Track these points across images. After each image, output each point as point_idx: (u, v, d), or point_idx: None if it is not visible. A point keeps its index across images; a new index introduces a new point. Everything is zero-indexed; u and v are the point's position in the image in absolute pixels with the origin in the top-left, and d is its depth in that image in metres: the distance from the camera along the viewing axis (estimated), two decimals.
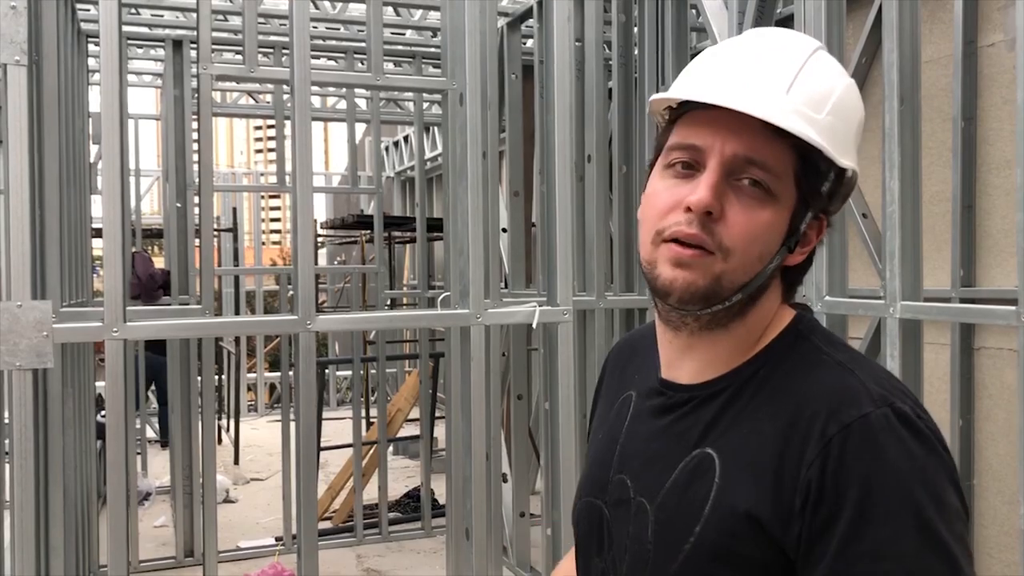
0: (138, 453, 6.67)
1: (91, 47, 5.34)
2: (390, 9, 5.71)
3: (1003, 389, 3.54)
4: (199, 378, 5.31)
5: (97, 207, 5.68)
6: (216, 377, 8.21)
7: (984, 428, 3.61)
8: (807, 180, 1.04)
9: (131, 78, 6.62)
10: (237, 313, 10.13)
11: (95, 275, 6.13)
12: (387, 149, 11.70)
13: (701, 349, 1.10)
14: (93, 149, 5.71)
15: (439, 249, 9.53)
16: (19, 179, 2.38)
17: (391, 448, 7.27)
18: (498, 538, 3.24)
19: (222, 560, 4.69)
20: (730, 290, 1.04)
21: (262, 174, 14.43)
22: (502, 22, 4.84)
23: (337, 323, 3.56)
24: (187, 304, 5.08)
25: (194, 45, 5.21)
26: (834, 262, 2.93)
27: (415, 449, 7.73)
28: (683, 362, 1.12)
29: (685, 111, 1.06)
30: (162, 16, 5.48)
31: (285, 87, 5.65)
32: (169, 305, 5.31)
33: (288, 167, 5.69)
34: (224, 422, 9.16)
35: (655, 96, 1.11)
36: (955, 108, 3.64)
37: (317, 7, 5.57)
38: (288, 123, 5.37)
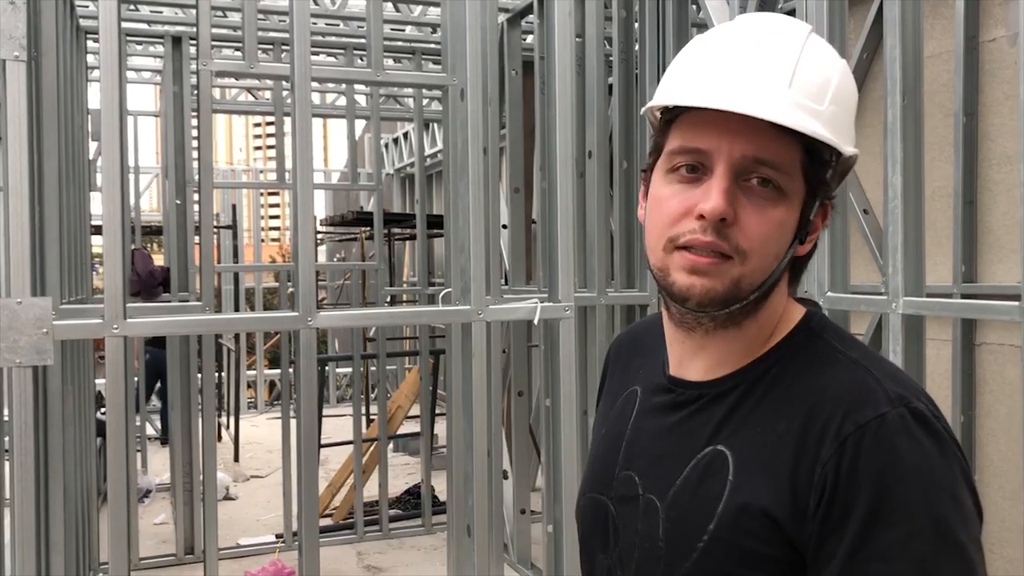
0: (138, 450, 6.66)
1: (90, 43, 5.33)
2: (390, 5, 5.70)
3: (1004, 385, 3.53)
4: (199, 375, 5.30)
5: (96, 204, 5.68)
6: (216, 374, 8.20)
7: (985, 424, 3.61)
8: (814, 172, 1.03)
9: (130, 75, 6.60)
10: (237, 310, 10.13)
11: (94, 272, 6.12)
12: (386, 146, 11.68)
13: (713, 348, 1.09)
14: (92, 146, 5.70)
15: (439, 246, 9.53)
16: (19, 176, 2.37)
17: (391, 445, 7.26)
18: (499, 535, 3.24)
19: (222, 557, 4.69)
20: (748, 291, 1.02)
21: (261, 171, 14.42)
22: (502, 18, 4.83)
23: (338, 320, 3.56)
24: (187, 301, 5.08)
25: (193, 41, 5.21)
26: (836, 258, 2.93)
27: (415, 446, 7.73)
28: (693, 360, 1.11)
29: (682, 111, 1.04)
30: (161, 12, 5.46)
31: (284, 83, 5.64)
32: (169, 302, 5.30)
33: (288, 164, 5.68)
34: (224, 419, 9.15)
35: (650, 103, 1.09)
36: (956, 104, 3.63)
37: (317, 3, 5.56)
38: (287, 120, 5.38)
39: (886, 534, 0.91)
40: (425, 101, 6.91)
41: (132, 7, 5.30)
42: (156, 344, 7.45)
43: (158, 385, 8.47)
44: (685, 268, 1.01)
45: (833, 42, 2.88)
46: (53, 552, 2.71)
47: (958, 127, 3.62)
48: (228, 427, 8.85)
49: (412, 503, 6.38)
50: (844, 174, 1.10)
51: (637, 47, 4.36)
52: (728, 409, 1.06)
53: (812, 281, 2.91)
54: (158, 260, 6.87)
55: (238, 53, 5.85)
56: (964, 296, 3.56)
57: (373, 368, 9.10)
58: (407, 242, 10.91)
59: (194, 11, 4.03)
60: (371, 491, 6.02)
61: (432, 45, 5.90)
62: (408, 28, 5.99)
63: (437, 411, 7.08)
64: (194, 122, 4.70)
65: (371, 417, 8.09)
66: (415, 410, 6.90)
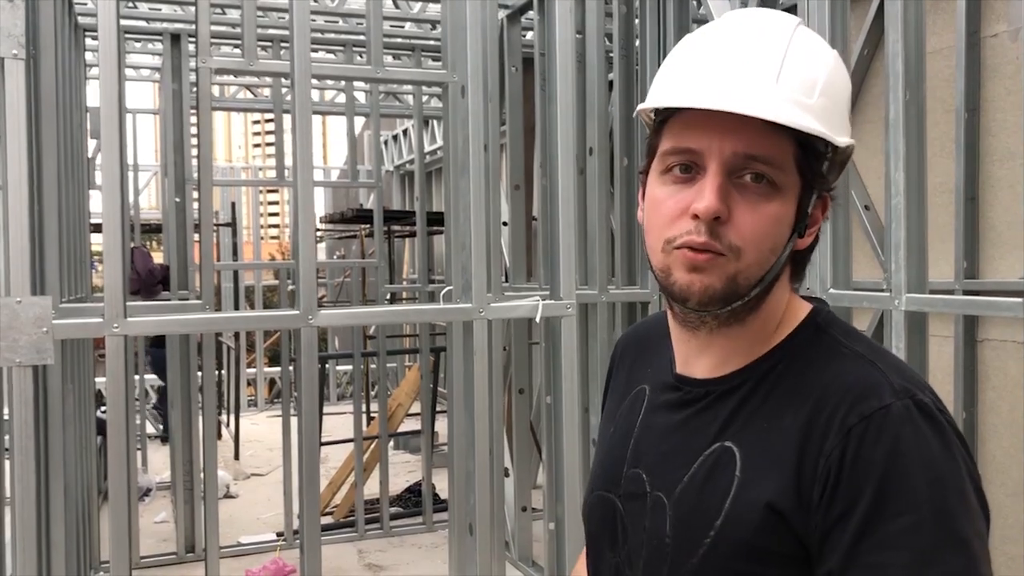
0: (138, 449, 6.65)
1: (88, 41, 5.31)
2: (389, 1, 5.68)
3: (1007, 381, 3.53)
4: (199, 373, 5.30)
5: (95, 202, 5.67)
6: (216, 372, 8.20)
7: (987, 420, 3.61)
8: (808, 165, 1.03)
9: (128, 72, 6.59)
10: (237, 308, 10.12)
11: (93, 270, 6.11)
12: (386, 143, 11.67)
13: (718, 345, 1.09)
14: (91, 144, 5.69)
15: (439, 243, 9.52)
16: (18, 174, 2.36)
17: (392, 443, 7.26)
18: (501, 533, 3.23)
19: (223, 556, 4.68)
20: (747, 287, 1.03)
21: (260, 168, 14.40)
22: (502, 14, 4.81)
23: (339, 318, 3.55)
24: (186, 299, 5.07)
25: (192, 39, 5.19)
26: (838, 254, 2.92)
27: (416, 444, 7.72)
28: (699, 358, 1.11)
29: (674, 112, 1.04)
30: (160, 10, 5.45)
31: (283, 81, 5.63)
32: (168, 300, 5.29)
33: (287, 161, 5.67)
34: (224, 417, 9.14)
35: (641, 106, 1.09)
36: (958, 99, 3.62)
37: (316, 0, 5.54)
38: (286, 117, 5.36)
39: (889, 525, 0.91)
40: (424, 98, 6.90)
41: (131, 4, 5.29)
42: (158, 344, 7.44)
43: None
44: (685, 266, 1.02)
45: (834, 38, 2.87)
46: (54, 551, 2.71)
47: (960, 123, 3.61)
48: (228, 425, 8.84)
49: (413, 501, 6.37)
50: (843, 165, 1.09)
51: (638, 43, 4.34)
52: (735, 405, 1.06)
53: (814, 278, 2.91)
54: (157, 258, 6.87)
55: (237, 50, 5.84)
56: (966, 292, 3.56)
57: (373, 366, 9.09)
58: (407, 239, 10.90)
59: (193, 8, 4.02)
60: (372, 489, 6.02)
61: (431, 42, 5.88)
62: (407, 25, 5.98)
63: (438, 409, 7.07)
64: (193, 120, 4.68)
65: (372, 415, 8.08)
66: (416, 408, 6.89)
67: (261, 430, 9.41)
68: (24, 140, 2.37)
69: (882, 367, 1.01)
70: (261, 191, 14.17)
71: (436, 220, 6.67)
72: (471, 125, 2.90)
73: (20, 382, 2.36)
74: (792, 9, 3.46)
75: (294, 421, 4.19)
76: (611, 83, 4.43)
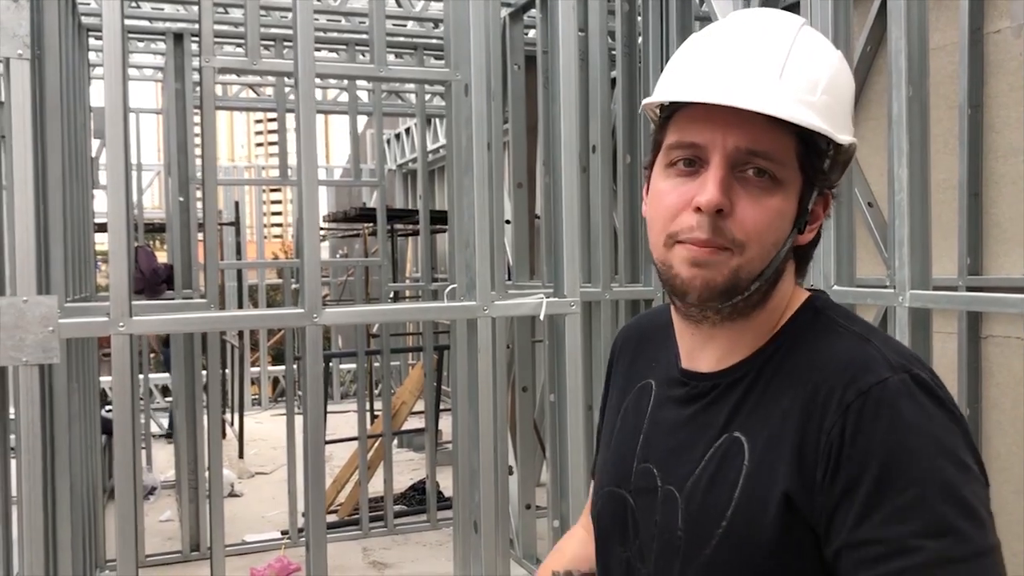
0: (142, 448, 6.67)
1: (92, 41, 5.32)
2: (391, 0, 5.68)
3: (1010, 377, 3.52)
4: (204, 372, 5.30)
5: (99, 202, 5.68)
6: (220, 371, 8.20)
7: (991, 417, 3.60)
8: (810, 161, 1.04)
9: (132, 72, 6.60)
10: (240, 307, 10.13)
11: (97, 270, 6.12)
12: (388, 142, 11.68)
13: (722, 338, 1.10)
14: (94, 144, 5.70)
15: (442, 241, 9.52)
16: (23, 174, 2.37)
17: (396, 441, 7.27)
18: (505, 531, 3.23)
19: (228, 554, 4.69)
20: (748, 281, 1.04)
21: (263, 167, 14.41)
22: (504, 12, 4.81)
23: (344, 316, 3.56)
24: (190, 298, 5.08)
25: (195, 38, 5.20)
26: (841, 251, 2.92)
27: (420, 442, 7.72)
28: (703, 352, 1.12)
29: (678, 108, 1.06)
30: (163, 9, 5.46)
31: (286, 80, 5.63)
32: (173, 299, 5.30)
33: (290, 160, 5.67)
34: (228, 416, 9.15)
35: (646, 101, 1.10)
36: (961, 96, 3.62)
37: None
38: (289, 116, 5.37)
39: (896, 499, 0.91)
40: (427, 96, 6.90)
41: (134, 4, 5.30)
42: (168, 344, 7.46)
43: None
44: (687, 260, 1.03)
45: (837, 34, 2.87)
46: (60, 549, 2.72)
47: (963, 119, 3.61)
48: (232, 424, 8.86)
49: (417, 499, 6.38)
50: (845, 164, 1.10)
51: (640, 41, 4.34)
52: (740, 395, 1.06)
53: (818, 274, 2.91)
54: (161, 258, 6.88)
55: (240, 49, 5.85)
56: (970, 289, 3.55)
57: (377, 364, 9.09)
58: (410, 238, 10.90)
59: (195, 8, 4.03)
60: (376, 487, 6.02)
61: (434, 40, 5.89)
62: (410, 23, 5.98)
63: (441, 407, 7.08)
64: (196, 119, 4.69)
65: (375, 413, 8.08)
66: (419, 406, 6.90)
67: (265, 428, 9.43)
68: (29, 140, 2.38)
69: (878, 344, 1.02)
70: (264, 190, 14.19)
71: (439, 218, 6.67)
72: (474, 123, 2.90)
73: (27, 381, 2.37)
74: (795, 6, 3.47)
75: (298, 419, 4.20)
76: (614, 81, 4.43)
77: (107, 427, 5.28)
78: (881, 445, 0.93)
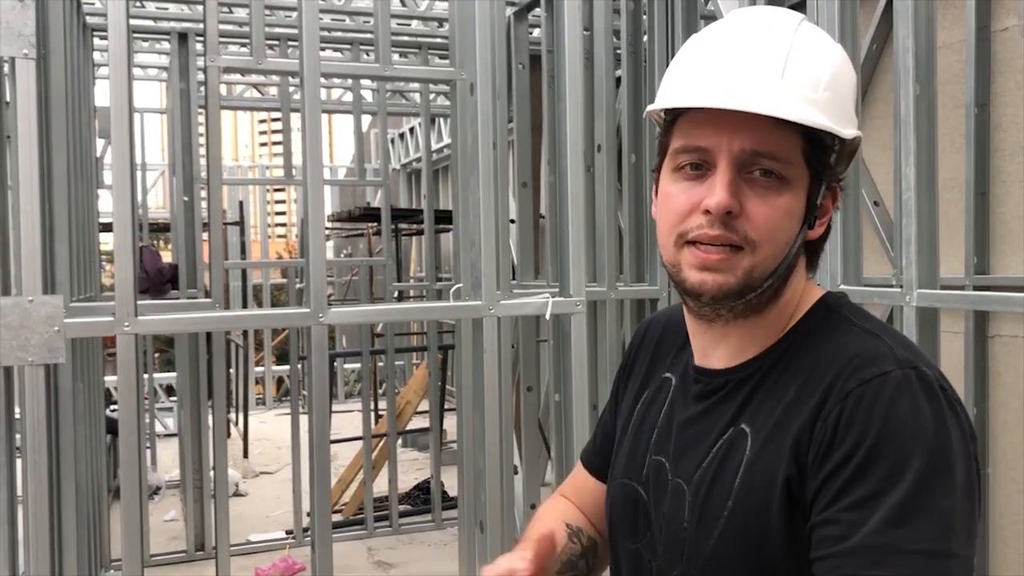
0: (147, 447, 6.68)
1: (96, 41, 5.32)
2: (396, 0, 5.68)
3: (1018, 377, 3.51)
4: (208, 372, 5.31)
5: (104, 202, 5.68)
6: (224, 371, 8.20)
7: (998, 416, 3.59)
8: (816, 157, 1.04)
9: (136, 72, 6.60)
10: (245, 306, 10.14)
11: (101, 270, 6.13)
12: (393, 141, 11.68)
13: (735, 335, 1.10)
14: (99, 143, 5.70)
15: (446, 241, 9.52)
16: (28, 174, 2.37)
17: (400, 441, 7.27)
18: (510, 530, 3.23)
19: (233, 554, 4.69)
20: (761, 279, 1.04)
21: (267, 167, 14.42)
22: (509, 11, 4.80)
23: (349, 316, 3.56)
24: (195, 298, 5.08)
25: (200, 38, 5.20)
26: (848, 250, 2.91)
27: (424, 441, 7.73)
28: (716, 349, 1.13)
29: (682, 111, 1.06)
30: (167, 9, 5.46)
31: (291, 79, 5.63)
32: (177, 299, 5.30)
33: (295, 160, 5.67)
34: (232, 416, 9.16)
35: (650, 108, 1.11)
36: (968, 94, 3.60)
37: None
38: (294, 116, 5.36)
39: (871, 485, 0.92)
40: (432, 96, 6.90)
41: (139, 4, 5.30)
42: None
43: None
44: (696, 265, 1.03)
45: (843, 33, 2.86)
46: (66, 549, 2.72)
47: (970, 118, 3.59)
48: (237, 423, 8.86)
49: (422, 498, 6.38)
50: (851, 156, 1.11)
51: (646, 39, 4.33)
52: (750, 390, 1.07)
53: (825, 274, 2.90)
54: (165, 257, 6.88)
55: (244, 49, 5.85)
56: (977, 288, 3.54)
57: (381, 364, 9.10)
58: (414, 237, 10.90)
59: (200, 7, 4.03)
60: (380, 487, 6.02)
61: (438, 40, 5.88)
62: (414, 23, 5.98)
63: (446, 406, 7.08)
64: (201, 118, 4.69)
65: (380, 413, 8.09)
66: (424, 405, 6.90)
67: (269, 428, 9.44)
68: (34, 140, 2.37)
69: (888, 340, 1.02)
70: (268, 190, 14.20)
71: (443, 218, 6.66)
72: (479, 122, 2.89)
73: (32, 381, 2.37)
74: (801, 5, 3.46)
75: (303, 419, 4.19)
76: (619, 80, 4.42)
77: (112, 427, 5.29)
78: (871, 432, 0.93)
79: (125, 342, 2.47)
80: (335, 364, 10.46)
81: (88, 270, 4.44)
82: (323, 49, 6.14)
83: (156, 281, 5.67)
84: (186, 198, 5.31)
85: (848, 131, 1.04)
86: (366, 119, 9.33)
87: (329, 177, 12.63)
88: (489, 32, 2.93)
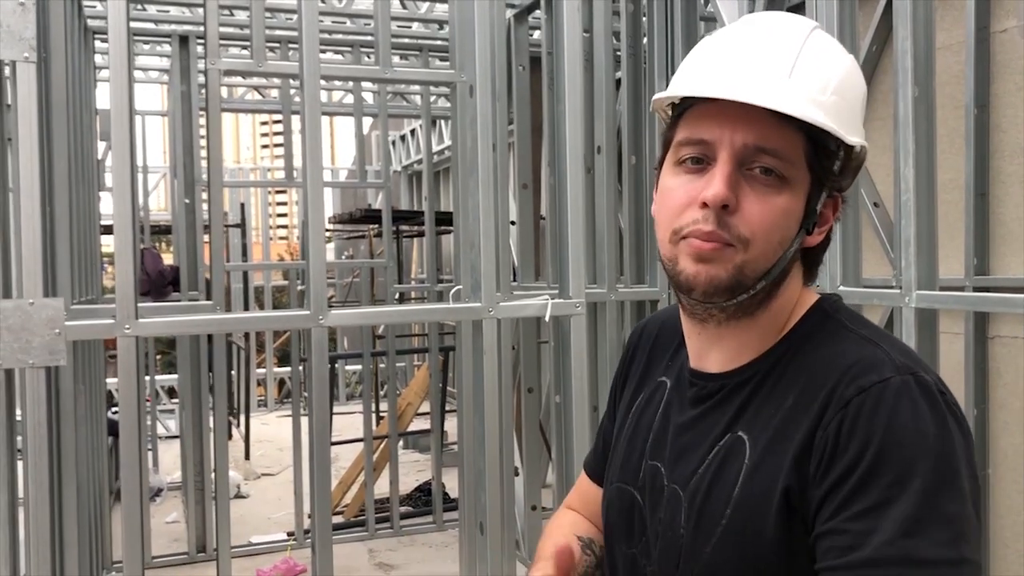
0: (149, 449, 6.68)
1: (97, 43, 5.33)
2: (396, 2, 5.69)
3: (1018, 378, 3.51)
4: (210, 373, 5.31)
5: (105, 204, 5.69)
6: (226, 373, 8.21)
7: (999, 417, 3.59)
8: (818, 161, 1.04)
9: (137, 74, 6.61)
10: (246, 308, 10.14)
11: (103, 272, 6.14)
12: (393, 143, 11.68)
13: (729, 338, 1.10)
14: (100, 146, 5.71)
15: (447, 243, 9.52)
16: (29, 177, 2.37)
17: (401, 442, 7.27)
18: (511, 532, 3.23)
19: (234, 556, 4.70)
20: (753, 279, 1.04)
21: (268, 169, 14.43)
22: (509, 14, 4.81)
23: (350, 318, 3.56)
24: (196, 300, 5.09)
25: (200, 41, 5.21)
26: (848, 251, 2.91)
27: (425, 443, 7.73)
28: (711, 352, 1.12)
29: (689, 106, 1.06)
30: (168, 12, 5.47)
31: (292, 82, 5.64)
32: (179, 301, 5.31)
33: (295, 162, 5.68)
34: (234, 418, 9.17)
35: (657, 96, 1.11)
36: (967, 95, 3.61)
37: (324, 1, 5.55)
38: (295, 118, 5.37)
39: (877, 494, 0.91)
40: (432, 98, 6.90)
41: (139, 7, 5.31)
42: None
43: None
44: (691, 256, 1.03)
45: (843, 34, 2.87)
46: (67, 551, 2.72)
47: (969, 119, 3.59)
48: (238, 425, 8.87)
49: (423, 500, 6.38)
50: (857, 170, 1.10)
51: (645, 41, 4.34)
52: (746, 396, 1.07)
53: (824, 275, 2.90)
54: (167, 259, 6.89)
55: (245, 52, 5.86)
56: (976, 289, 3.54)
57: (382, 365, 9.10)
58: (415, 239, 10.90)
59: (201, 10, 4.04)
60: (382, 488, 6.03)
61: (439, 42, 5.89)
62: (415, 25, 5.98)
63: (447, 408, 7.08)
64: (202, 121, 4.70)
65: (381, 414, 8.09)
66: (425, 407, 6.90)
67: (271, 430, 9.44)
68: (35, 142, 2.38)
69: (885, 347, 1.02)
70: (269, 192, 14.21)
71: (444, 220, 6.67)
72: (480, 125, 2.90)
73: (33, 383, 2.37)
74: (801, 6, 3.46)
75: (304, 421, 4.19)
76: (619, 82, 4.43)
77: (113, 429, 5.29)
78: (875, 441, 0.93)
79: (126, 344, 2.48)
80: (336, 366, 10.46)
81: (89, 272, 4.44)
82: (324, 51, 6.17)
83: (157, 283, 5.68)
84: (187, 200, 5.31)
85: (853, 138, 1.04)
86: (367, 121, 9.34)
87: (330, 179, 12.64)
88: (489, 34, 2.94)
